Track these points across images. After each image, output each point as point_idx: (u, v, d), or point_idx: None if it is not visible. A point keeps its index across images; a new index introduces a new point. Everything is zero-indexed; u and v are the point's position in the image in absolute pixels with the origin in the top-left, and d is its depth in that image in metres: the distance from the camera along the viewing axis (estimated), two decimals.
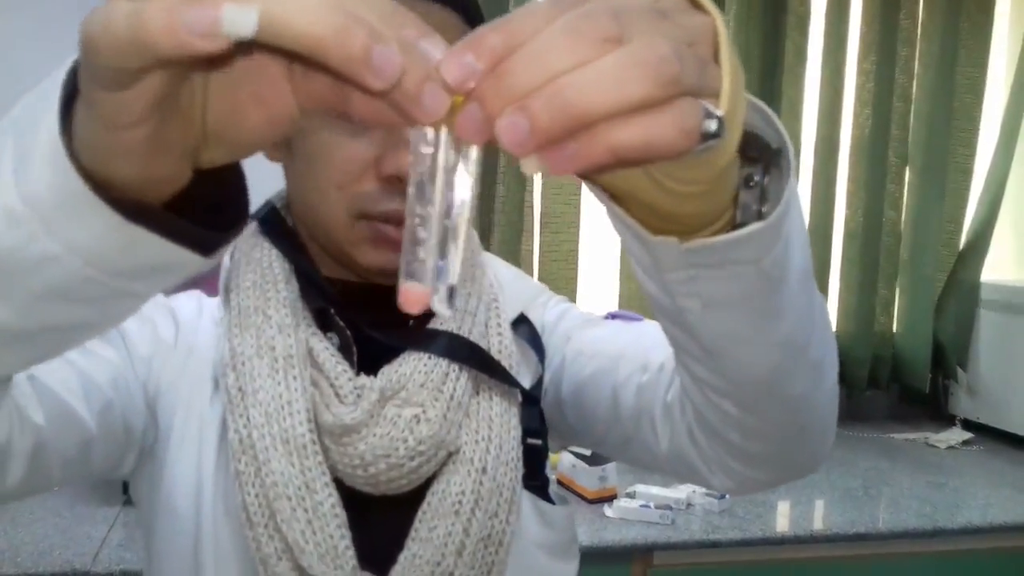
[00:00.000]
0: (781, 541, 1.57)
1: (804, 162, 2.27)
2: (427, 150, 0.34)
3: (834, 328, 2.36)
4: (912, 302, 2.39)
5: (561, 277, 2.15)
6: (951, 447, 2.19)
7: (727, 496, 1.66)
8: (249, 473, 0.65)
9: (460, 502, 0.68)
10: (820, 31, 2.25)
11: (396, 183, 0.65)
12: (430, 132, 0.34)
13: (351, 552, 0.66)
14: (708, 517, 1.60)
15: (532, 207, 2.11)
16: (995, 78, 2.43)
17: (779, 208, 0.41)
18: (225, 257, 0.74)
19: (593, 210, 2.22)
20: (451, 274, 0.35)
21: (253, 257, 0.72)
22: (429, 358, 0.69)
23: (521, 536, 0.72)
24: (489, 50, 0.32)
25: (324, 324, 0.71)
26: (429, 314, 0.70)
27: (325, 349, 0.68)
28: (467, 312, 0.73)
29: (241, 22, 0.30)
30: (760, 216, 0.41)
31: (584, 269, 2.19)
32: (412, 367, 0.68)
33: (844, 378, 2.38)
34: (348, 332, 0.70)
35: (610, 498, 1.63)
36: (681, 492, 1.66)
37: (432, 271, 0.34)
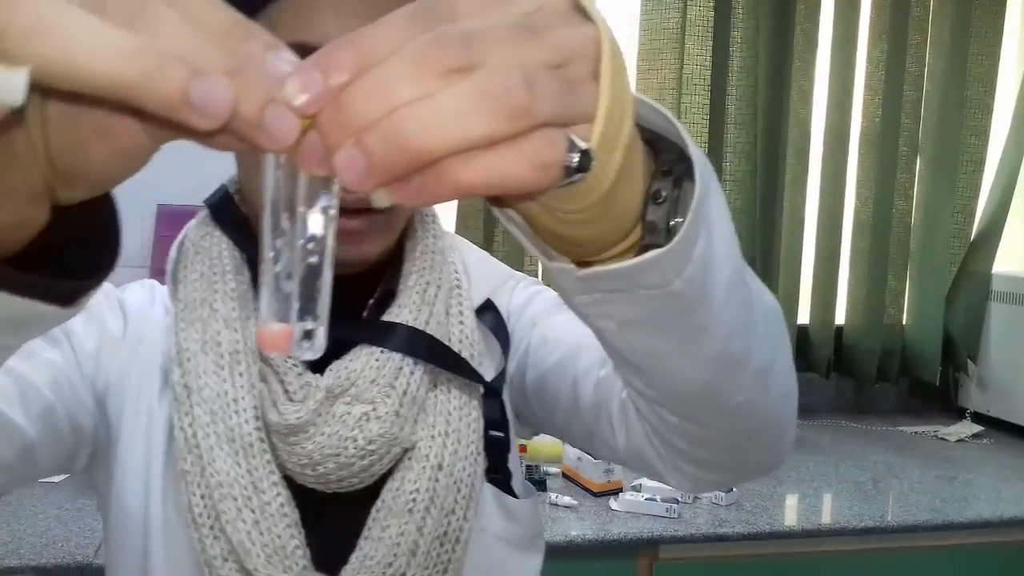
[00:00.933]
0: (788, 535, 1.56)
1: (814, 151, 2.25)
2: (278, 174, 0.31)
3: (843, 320, 2.35)
4: (922, 294, 2.37)
5: None
6: (961, 440, 2.17)
7: (734, 489, 1.64)
8: (194, 473, 0.63)
9: (414, 500, 0.66)
10: (830, 19, 2.23)
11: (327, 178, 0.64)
12: (281, 155, 0.30)
13: (301, 552, 0.64)
14: (714, 510, 1.59)
15: None
16: (1007, 67, 2.40)
17: (680, 234, 0.37)
18: (173, 247, 0.72)
19: None
20: (317, 315, 0.32)
21: (202, 246, 0.70)
22: (382, 352, 0.66)
23: (483, 530, 0.71)
24: (337, 70, 0.29)
25: None
26: (384, 304, 0.69)
27: None
28: (425, 302, 0.70)
29: (8, 88, 0.26)
30: (670, 233, 0.38)
31: None
32: (363, 362, 0.66)
33: (853, 370, 2.36)
34: None
35: (616, 491, 1.62)
36: None
37: (295, 310, 0.31)
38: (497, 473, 0.73)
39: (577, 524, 1.49)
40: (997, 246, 2.35)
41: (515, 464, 0.76)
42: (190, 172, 2.00)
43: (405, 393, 0.66)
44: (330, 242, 0.31)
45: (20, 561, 1.30)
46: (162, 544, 0.66)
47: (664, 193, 0.38)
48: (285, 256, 0.31)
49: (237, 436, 0.63)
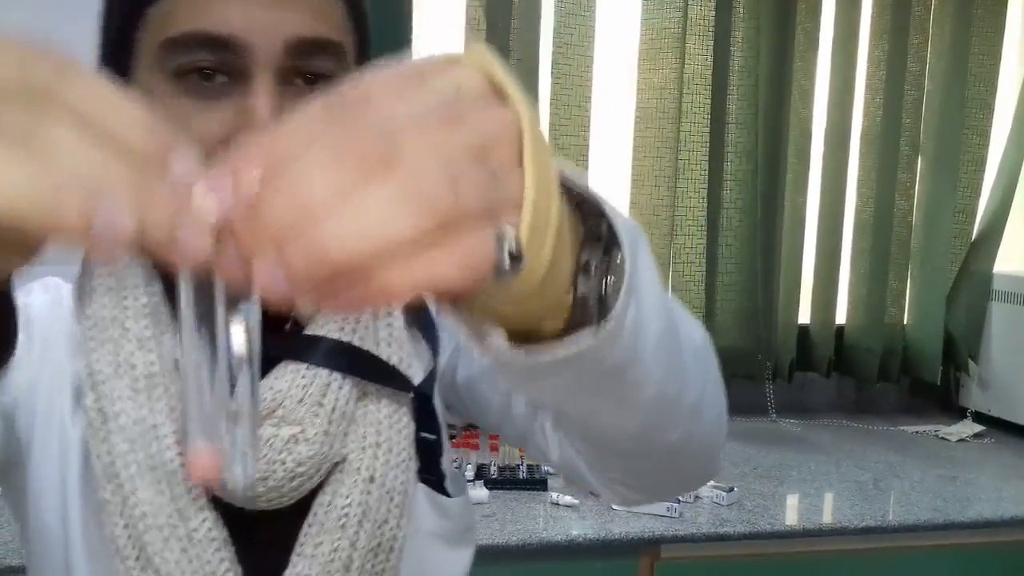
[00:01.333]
0: (790, 534, 1.56)
1: (815, 151, 2.25)
2: (191, 287, 0.29)
3: (844, 320, 2.35)
4: (923, 293, 2.37)
5: None
6: (962, 440, 2.16)
7: (735, 489, 1.64)
8: (115, 503, 0.60)
9: (347, 515, 0.63)
10: (831, 19, 2.23)
11: None
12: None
13: (232, 574, 0.62)
14: (716, 510, 1.59)
15: None
16: (1008, 66, 2.40)
17: (607, 327, 0.36)
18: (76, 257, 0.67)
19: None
20: (243, 441, 0.30)
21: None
22: (308, 368, 0.63)
23: (417, 530, 0.69)
24: (249, 174, 0.27)
25: None
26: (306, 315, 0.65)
27: None
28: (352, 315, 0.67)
29: None
30: (602, 303, 0.37)
31: None
32: (289, 381, 0.62)
33: (854, 370, 2.36)
34: None
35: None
36: None
37: (223, 427, 0.29)
38: (430, 474, 0.71)
39: (578, 523, 1.49)
40: (998, 246, 2.35)
41: (448, 463, 0.74)
42: None
43: (334, 410, 0.63)
44: (256, 350, 0.29)
45: (22, 560, 1.30)
46: (86, 571, 0.63)
47: (594, 264, 0.37)
48: (207, 369, 0.29)
49: (159, 464, 0.60)
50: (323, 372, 0.63)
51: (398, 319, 0.70)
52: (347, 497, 0.64)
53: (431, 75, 0.30)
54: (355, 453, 0.65)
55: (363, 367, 0.65)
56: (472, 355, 0.70)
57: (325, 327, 0.65)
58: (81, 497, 0.63)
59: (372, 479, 0.64)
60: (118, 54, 0.59)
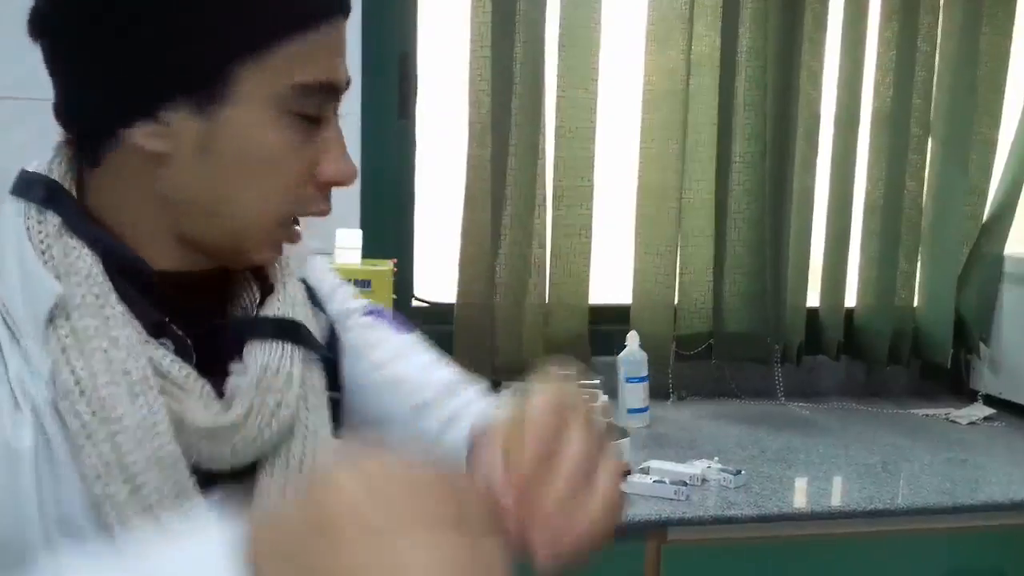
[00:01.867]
0: (797, 517, 1.55)
1: (824, 133, 2.23)
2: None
3: (854, 303, 2.34)
4: (934, 276, 2.35)
5: (574, 252, 2.13)
6: (972, 423, 2.15)
7: (742, 472, 1.64)
8: (124, 493, 0.62)
9: (301, 465, 0.70)
10: None
11: (327, 188, 0.69)
12: None
13: None
14: (723, 493, 1.59)
15: (544, 181, 2.09)
16: (1019, 46, 2.37)
17: None
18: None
19: (608, 185, 2.19)
20: None
21: (74, 266, 0.64)
22: (272, 343, 0.70)
23: None
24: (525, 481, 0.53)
25: (156, 330, 0.67)
26: (244, 300, 0.73)
27: (172, 362, 0.66)
28: (288, 293, 0.74)
29: None
30: None
31: (598, 244, 2.16)
32: (264, 357, 0.69)
33: (864, 353, 2.35)
34: (188, 341, 0.68)
35: (624, 474, 1.61)
36: (696, 468, 1.64)
37: None
38: (336, 431, 0.78)
39: None
40: (1010, 227, 2.33)
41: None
42: None
43: (296, 376, 0.71)
44: None
45: None
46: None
47: None
48: None
49: (162, 456, 0.63)
50: (287, 346, 0.71)
51: (302, 293, 0.77)
52: (301, 451, 0.71)
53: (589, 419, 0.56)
54: (302, 411, 0.72)
55: (303, 338, 0.73)
56: (366, 368, 0.83)
57: (270, 307, 0.72)
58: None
59: (316, 433, 0.72)
60: (193, 79, 0.63)
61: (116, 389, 0.63)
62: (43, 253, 0.64)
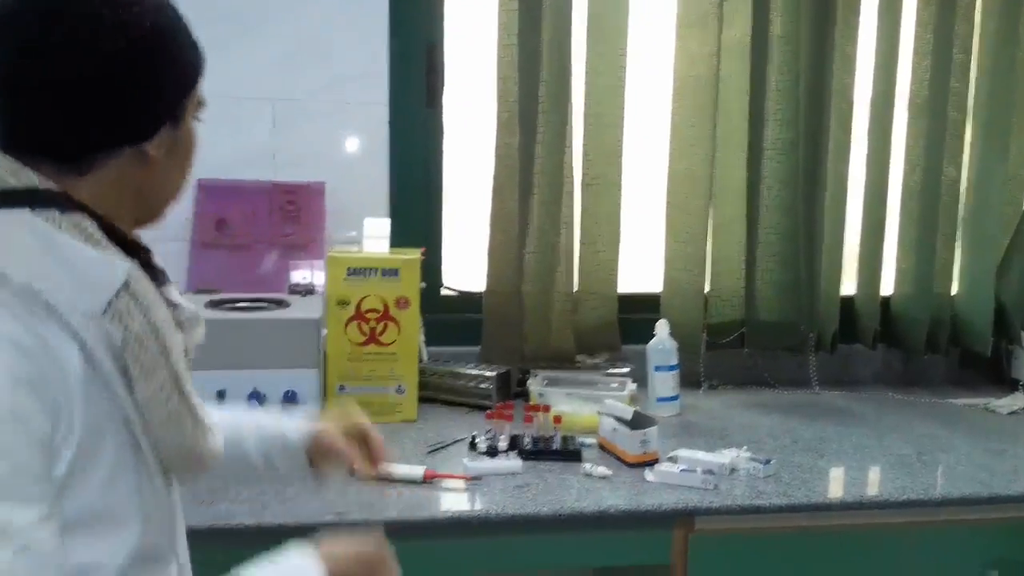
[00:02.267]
0: (827, 507, 1.53)
1: (858, 118, 2.19)
2: None
3: (891, 291, 2.30)
4: (973, 263, 2.31)
5: (603, 240, 2.12)
6: (1013, 412, 2.11)
7: (772, 461, 1.62)
8: (176, 401, 0.87)
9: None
10: None
11: None
12: None
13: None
14: (752, 482, 1.57)
15: (572, 169, 2.08)
16: None
17: None
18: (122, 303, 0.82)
19: (637, 172, 2.17)
20: None
21: (151, 298, 0.85)
22: (174, 283, 0.95)
23: None
24: None
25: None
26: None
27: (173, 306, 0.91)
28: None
29: None
30: None
31: (627, 232, 2.15)
32: (175, 294, 0.93)
33: (901, 342, 2.31)
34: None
35: (652, 462, 1.60)
36: (725, 457, 1.62)
37: None
38: None
39: (611, 495, 1.49)
40: None
41: None
42: (230, 146, 2.02)
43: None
44: None
45: None
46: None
47: None
48: None
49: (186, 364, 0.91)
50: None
51: None
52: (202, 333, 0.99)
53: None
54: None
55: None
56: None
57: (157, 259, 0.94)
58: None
59: (199, 318, 0.98)
60: (174, 106, 0.89)
61: (169, 328, 0.87)
62: (98, 243, 0.81)
